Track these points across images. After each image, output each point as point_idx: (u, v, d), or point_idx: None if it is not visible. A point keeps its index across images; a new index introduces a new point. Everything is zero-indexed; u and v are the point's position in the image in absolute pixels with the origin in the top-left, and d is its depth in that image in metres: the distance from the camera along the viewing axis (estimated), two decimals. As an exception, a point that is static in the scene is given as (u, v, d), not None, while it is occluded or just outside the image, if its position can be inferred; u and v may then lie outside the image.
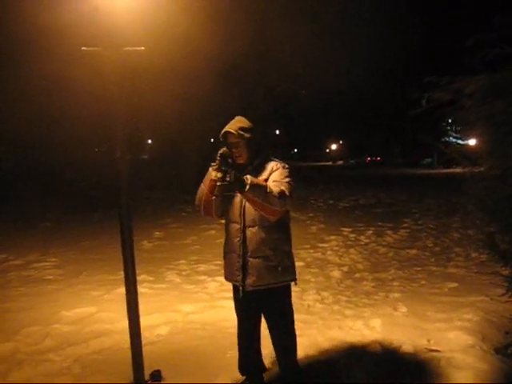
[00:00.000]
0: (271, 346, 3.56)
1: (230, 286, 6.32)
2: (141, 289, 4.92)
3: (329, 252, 8.53)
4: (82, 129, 15.39)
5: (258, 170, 3.30)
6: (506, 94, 3.47)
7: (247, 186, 2.99)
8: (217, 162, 3.13)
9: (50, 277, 7.10)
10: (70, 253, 8.72)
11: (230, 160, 3.17)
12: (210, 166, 3.32)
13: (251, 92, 20.57)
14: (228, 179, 2.99)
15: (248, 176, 3.06)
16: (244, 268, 3.30)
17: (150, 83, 15.34)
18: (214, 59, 15.87)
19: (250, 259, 3.27)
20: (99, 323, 5.05)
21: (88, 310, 5.47)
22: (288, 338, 3.49)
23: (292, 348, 3.52)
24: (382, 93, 42.49)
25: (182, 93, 16.91)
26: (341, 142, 75.91)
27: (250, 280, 3.28)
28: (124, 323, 3.76)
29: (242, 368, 3.65)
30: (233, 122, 3.34)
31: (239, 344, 3.64)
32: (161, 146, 25.45)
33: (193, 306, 5.61)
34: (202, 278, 6.87)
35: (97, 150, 19.59)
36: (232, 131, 3.24)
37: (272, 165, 3.32)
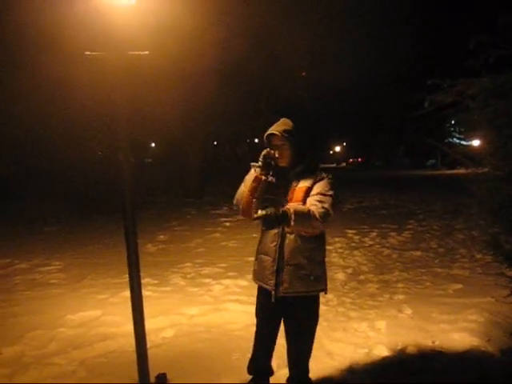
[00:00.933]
0: (281, 349, 3.55)
1: (234, 288, 6.38)
2: (145, 292, 4.93)
3: (333, 254, 8.53)
4: (84, 132, 15.43)
5: (301, 176, 3.25)
6: (509, 95, 3.48)
7: (292, 222, 2.96)
8: (260, 162, 3.17)
9: (55, 280, 7.12)
10: (74, 257, 8.74)
11: (272, 162, 3.20)
12: (252, 165, 3.33)
13: (255, 95, 20.58)
14: (269, 213, 2.94)
15: (290, 206, 3.05)
16: (278, 273, 3.26)
17: (153, 87, 15.36)
18: (217, 62, 15.90)
19: (286, 265, 3.23)
20: (104, 326, 5.06)
21: (93, 314, 5.48)
22: (306, 348, 3.45)
23: (307, 358, 3.48)
24: (385, 94, 42.46)
25: (185, 96, 16.93)
26: (344, 144, 75.91)
27: (283, 286, 3.25)
28: (129, 326, 3.77)
29: (252, 369, 3.63)
30: (278, 123, 3.30)
31: (255, 346, 3.61)
32: (164, 150, 25.48)
33: (198, 308, 5.62)
34: (207, 280, 6.88)
35: (100, 153, 19.61)
36: (276, 133, 3.21)
37: (317, 174, 3.26)
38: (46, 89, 13.33)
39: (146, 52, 3.25)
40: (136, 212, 3.48)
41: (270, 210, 2.93)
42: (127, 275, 3.52)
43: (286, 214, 2.96)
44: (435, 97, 3.74)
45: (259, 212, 2.95)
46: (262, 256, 3.38)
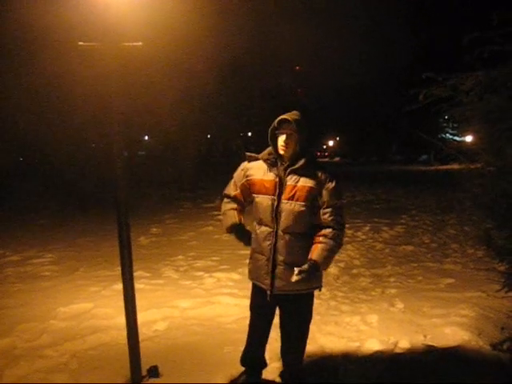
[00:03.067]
0: (273, 342, 3.56)
1: (226, 281, 6.38)
2: (138, 285, 4.91)
3: (326, 248, 8.54)
4: (79, 124, 15.35)
5: (301, 172, 3.22)
6: (503, 90, 3.48)
7: (322, 269, 3.21)
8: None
9: (47, 273, 7.09)
10: (66, 249, 8.70)
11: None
12: (247, 156, 3.44)
13: (249, 89, 20.55)
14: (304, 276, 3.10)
15: (315, 258, 3.14)
16: (273, 272, 3.26)
17: (148, 79, 15.30)
18: (212, 55, 15.86)
19: (280, 264, 3.23)
20: (96, 319, 5.05)
21: (85, 306, 5.46)
22: (300, 343, 3.48)
23: (301, 353, 3.51)
24: (378, 89, 42.54)
25: (179, 89, 16.88)
26: (337, 138, 75.96)
27: (278, 284, 3.25)
28: (121, 319, 3.77)
29: (245, 361, 3.65)
30: (291, 113, 3.27)
31: (248, 339, 3.62)
32: (158, 142, 25.40)
33: (190, 301, 5.61)
34: (199, 273, 6.87)
35: (93, 145, 19.51)
36: (289, 119, 3.18)
37: (319, 174, 3.23)
38: (39, 81, 13.24)
39: (140, 43, 3.24)
40: (128, 204, 3.47)
41: (303, 275, 3.08)
42: (119, 268, 3.51)
43: (317, 268, 3.14)
44: (430, 90, 3.74)
45: (294, 278, 3.08)
46: (257, 255, 3.37)
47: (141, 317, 3.93)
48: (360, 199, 16.95)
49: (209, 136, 24.87)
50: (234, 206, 3.46)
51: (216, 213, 12.75)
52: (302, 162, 3.21)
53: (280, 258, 3.23)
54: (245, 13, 16.88)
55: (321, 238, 3.18)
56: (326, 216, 3.20)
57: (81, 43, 3.23)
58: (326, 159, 71.39)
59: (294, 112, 3.30)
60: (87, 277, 6.81)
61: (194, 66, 16.19)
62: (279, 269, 3.23)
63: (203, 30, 14.20)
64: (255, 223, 3.40)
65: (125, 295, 3.55)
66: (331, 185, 3.22)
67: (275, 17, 18.25)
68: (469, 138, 4.62)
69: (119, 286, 3.88)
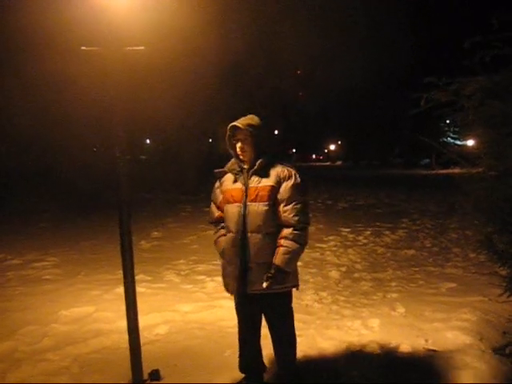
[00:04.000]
0: (271, 346, 3.57)
1: (228, 285, 6.36)
2: (139, 288, 4.91)
3: (327, 252, 8.54)
4: (80, 128, 15.38)
5: (262, 173, 3.28)
6: (506, 94, 3.48)
7: (290, 269, 3.25)
8: None
9: (49, 276, 7.09)
10: (68, 252, 8.71)
11: None
12: (215, 172, 3.49)
13: (251, 93, 20.57)
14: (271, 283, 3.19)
15: (277, 263, 3.19)
16: (244, 275, 3.28)
17: (150, 83, 15.34)
18: (213, 60, 15.88)
19: (253, 265, 3.25)
20: (98, 323, 5.05)
21: (86, 310, 5.46)
22: (288, 340, 3.51)
23: (291, 350, 3.54)
24: (380, 93, 42.56)
25: (181, 93, 16.90)
26: (339, 142, 75.94)
27: (252, 285, 3.27)
28: (122, 323, 3.77)
29: (243, 367, 3.65)
30: (244, 118, 3.34)
31: (240, 343, 3.64)
32: (159, 147, 25.43)
33: (191, 305, 5.61)
34: (201, 277, 6.87)
35: (95, 149, 19.56)
36: (240, 126, 3.24)
37: (279, 169, 3.29)
38: (41, 85, 13.27)
39: (142, 47, 3.25)
40: (130, 208, 3.48)
41: (270, 280, 3.17)
42: (121, 271, 3.51)
43: (282, 271, 3.20)
44: (431, 95, 3.74)
45: (265, 284, 3.18)
46: (224, 262, 3.45)
47: (142, 320, 3.93)
48: (361, 203, 16.94)
49: (210, 140, 24.90)
50: (222, 232, 3.51)
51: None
52: (259, 162, 3.28)
53: (250, 258, 3.25)
54: (249, 17, 16.92)
55: (282, 241, 3.23)
56: (286, 214, 3.23)
57: (83, 48, 3.24)
58: (328, 163, 71.20)
59: (249, 116, 3.37)
60: (89, 280, 6.82)
61: (196, 70, 16.21)
62: (252, 269, 3.26)
63: (205, 34, 14.23)
64: (226, 231, 3.44)
65: (126, 299, 3.55)
66: (291, 182, 3.26)
67: (277, 20, 18.27)
68: (470, 142, 4.63)
69: (121, 290, 3.87)
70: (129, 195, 3.45)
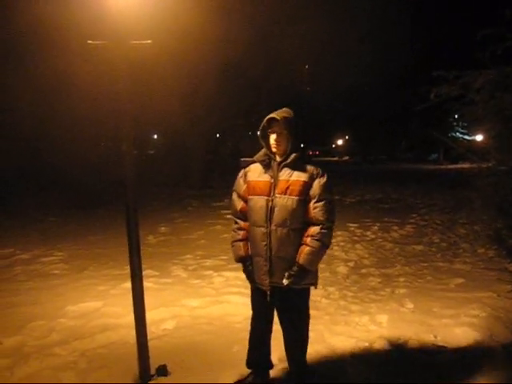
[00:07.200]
0: (279, 343, 3.55)
1: (235, 280, 6.37)
2: (146, 283, 4.91)
3: (335, 247, 8.50)
4: (87, 123, 15.40)
5: (294, 167, 3.26)
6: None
7: (313, 267, 3.27)
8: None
9: (56, 271, 7.11)
10: (75, 247, 8.73)
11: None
12: (242, 161, 3.50)
13: (257, 88, 20.53)
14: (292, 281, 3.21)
15: (301, 262, 3.19)
16: (270, 270, 3.27)
17: (156, 78, 15.32)
18: (220, 54, 15.85)
19: (274, 258, 3.24)
20: (105, 318, 5.06)
21: (94, 305, 5.47)
22: (300, 338, 3.48)
23: (303, 348, 3.51)
24: (388, 87, 42.36)
25: (188, 87, 16.90)
26: (347, 137, 75.71)
27: (272, 278, 3.27)
28: (130, 318, 3.77)
29: (250, 362, 3.64)
30: (280, 110, 3.31)
31: (251, 339, 3.63)
32: (167, 141, 25.45)
33: (199, 300, 5.61)
34: (208, 272, 6.87)
35: (102, 144, 19.57)
36: (278, 118, 3.22)
37: (311, 168, 3.26)
38: (47, 80, 13.28)
39: (149, 41, 3.23)
40: (138, 203, 3.47)
41: (292, 278, 3.19)
42: (128, 266, 3.51)
43: (304, 271, 3.21)
44: (441, 89, 3.70)
45: (285, 281, 3.20)
46: (255, 257, 3.38)
47: (149, 316, 3.93)
48: (369, 198, 16.89)
49: (218, 135, 24.89)
50: (240, 235, 3.47)
51: (224, 212, 12.74)
52: (293, 156, 3.25)
53: (273, 253, 3.24)
54: (254, 14, 16.87)
55: (308, 240, 3.21)
56: (316, 210, 3.21)
57: (90, 42, 3.23)
58: (335, 158, 70.98)
59: (284, 109, 3.34)
60: (96, 275, 6.83)
61: (203, 65, 16.19)
62: (273, 263, 3.25)
63: (212, 29, 14.18)
64: (250, 225, 3.40)
65: (133, 294, 3.55)
66: (323, 180, 3.25)
67: (285, 17, 18.21)
68: (479, 137, 4.58)
69: (128, 285, 3.87)
70: (136, 191, 3.44)
